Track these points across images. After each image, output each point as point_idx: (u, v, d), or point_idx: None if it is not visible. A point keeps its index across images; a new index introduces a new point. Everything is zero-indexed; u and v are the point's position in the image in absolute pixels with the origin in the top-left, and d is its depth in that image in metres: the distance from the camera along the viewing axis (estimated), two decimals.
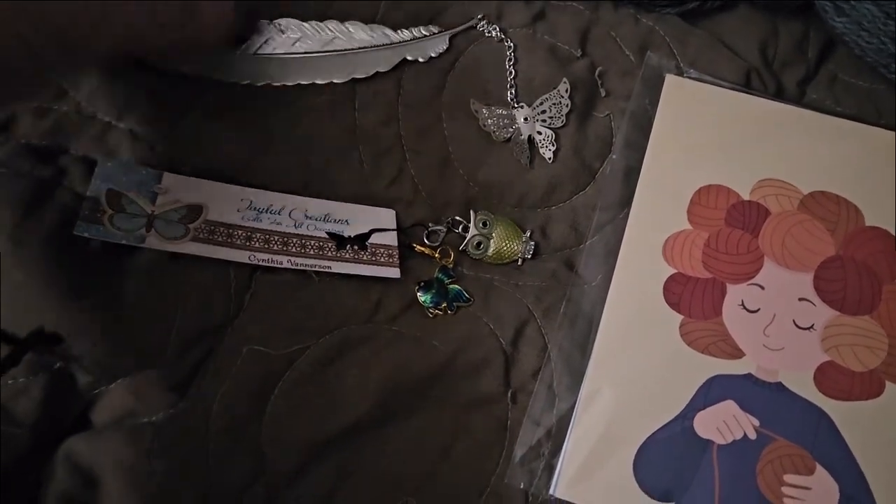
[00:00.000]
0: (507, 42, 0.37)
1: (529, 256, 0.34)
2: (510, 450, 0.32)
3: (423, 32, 0.36)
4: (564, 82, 0.37)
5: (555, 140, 0.36)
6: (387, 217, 0.34)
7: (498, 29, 0.37)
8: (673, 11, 0.38)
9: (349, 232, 0.34)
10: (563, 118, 0.36)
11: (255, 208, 0.33)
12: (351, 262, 0.33)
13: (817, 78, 0.38)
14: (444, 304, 0.33)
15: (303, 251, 0.33)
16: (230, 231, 0.33)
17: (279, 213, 0.33)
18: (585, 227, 0.35)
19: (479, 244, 0.34)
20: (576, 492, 0.30)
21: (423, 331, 0.33)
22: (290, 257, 0.33)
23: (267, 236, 0.33)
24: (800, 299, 0.33)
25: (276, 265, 0.32)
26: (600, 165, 0.36)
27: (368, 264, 0.33)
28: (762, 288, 0.33)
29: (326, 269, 0.33)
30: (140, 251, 0.32)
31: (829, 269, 0.33)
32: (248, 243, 0.33)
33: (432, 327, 0.33)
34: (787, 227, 0.34)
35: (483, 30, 0.37)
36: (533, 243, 0.34)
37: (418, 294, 0.33)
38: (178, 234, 0.32)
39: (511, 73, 0.37)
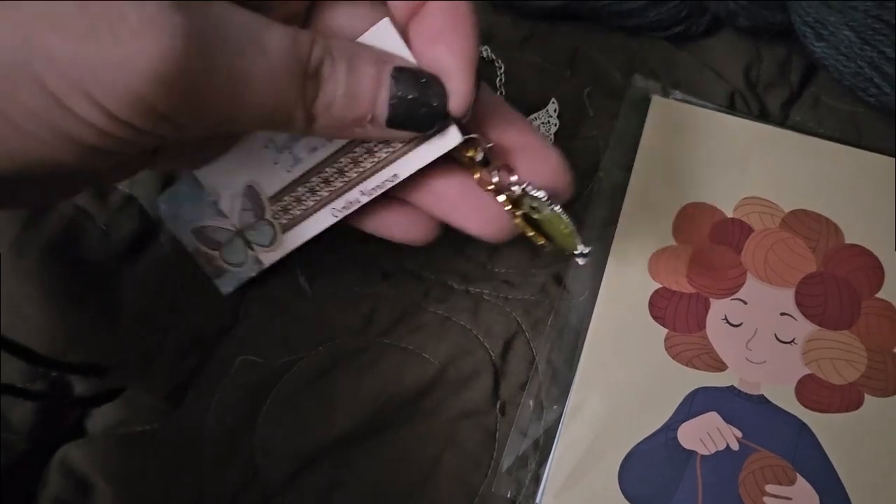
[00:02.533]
0: (497, 62, 0.38)
1: (578, 255, 0.27)
2: (498, 460, 0.32)
3: None
4: (553, 102, 0.38)
5: None
6: (385, 33, 0.23)
7: (489, 49, 0.38)
8: (659, 35, 0.40)
9: None
10: (552, 137, 0.37)
11: (280, 147, 0.27)
12: (409, 149, 0.25)
13: (800, 100, 0.39)
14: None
15: (360, 168, 0.26)
16: (296, 195, 0.28)
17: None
18: None
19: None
20: (562, 501, 0.31)
21: (414, 343, 0.34)
22: (358, 188, 0.26)
23: (320, 173, 0.27)
24: (781, 314, 0.33)
25: (356, 206, 0.27)
26: (588, 183, 0.37)
27: (423, 142, 0.24)
28: (745, 303, 0.34)
29: (396, 180, 0.26)
30: (135, 261, 0.33)
31: (809, 285, 0.34)
32: (315, 196, 0.28)
33: (423, 340, 0.34)
34: (770, 244, 0.35)
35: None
36: (581, 262, 0.27)
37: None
38: (270, 236, 0.30)
39: (501, 92, 0.38)
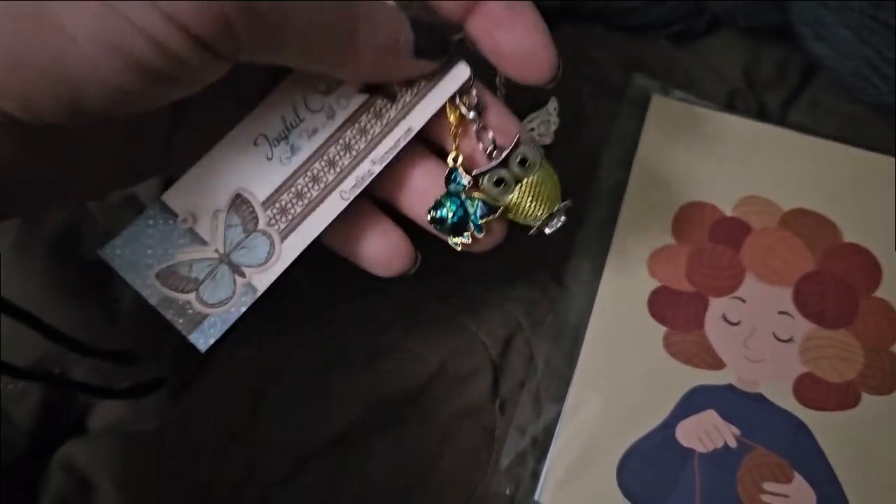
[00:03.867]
0: None
1: (547, 230, 0.27)
2: (497, 458, 0.32)
3: None
4: (553, 101, 0.38)
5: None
6: None
7: None
8: (659, 34, 0.40)
9: None
10: (552, 136, 0.37)
11: (276, 138, 0.25)
12: (418, 99, 0.25)
13: (799, 100, 0.39)
14: (470, 223, 0.26)
15: (368, 136, 0.25)
16: (296, 190, 0.25)
17: (300, 119, 0.25)
18: (573, 241, 0.36)
19: (500, 182, 0.25)
20: (560, 498, 0.31)
21: (413, 341, 0.34)
22: (368, 158, 0.25)
23: (323, 156, 0.25)
24: (779, 312, 0.34)
25: (369, 180, 0.25)
26: (587, 182, 0.37)
27: (432, 85, 0.25)
28: (743, 301, 0.34)
29: (411, 135, 0.25)
30: None
31: (807, 284, 0.34)
32: (319, 184, 0.25)
33: (422, 338, 0.34)
34: (768, 243, 0.35)
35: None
36: (563, 219, 0.27)
37: (431, 220, 0.26)
38: (267, 249, 0.25)
39: (501, 91, 0.38)
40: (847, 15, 0.36)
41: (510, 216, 0.26)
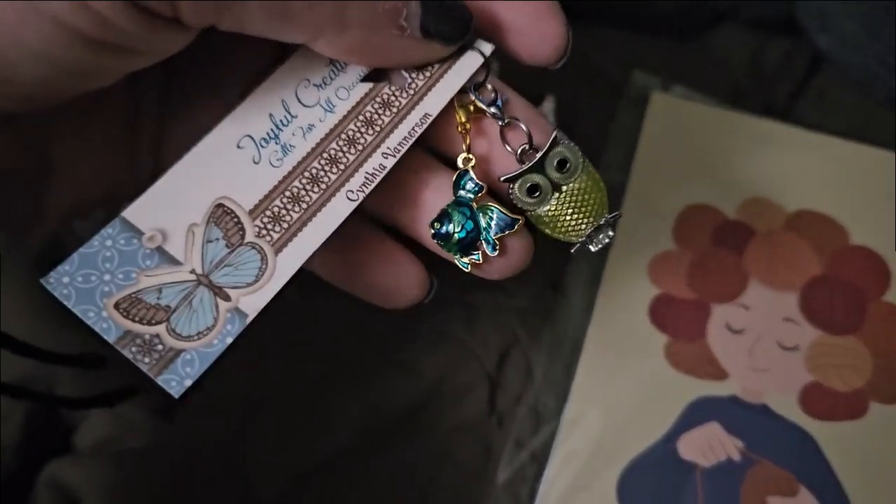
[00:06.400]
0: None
1: (594, 248, 0.22)
2: (495, 474, 0.32)
3: None
4: (549, 100, 0.36)
5: None
6: None
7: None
8: (659, 29, 0.38)
9: None
10: None
11: (264, 139, 0.22)
12: (431, 83, 0.22)
13: (805, 94, 0.38)
14: (482, 240, 0.21)
15: (376, 127, 0.22)
16: (291, 194, 0.21)
17: (291, 116, 0.22)
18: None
19: (534, 189, 0.21)
20: None
21: (409, 355, 0.33)
22: (378, 151, 0.22)
23: (323, 154, 0.22)
24: (784, 319, 0.33)
25: (382, 175, 0.21)
26: None
27: (446, 68, 0.22)
28: (747, 308, 0.33)
29: (428, 121, 0.22)
30: None
31: (814, 289, 0.33)
32: (319, 185, 0.22)
33: (417, 351, 0.33)
34: (773, 247, 0.34)
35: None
36: (612, 234, 0.22)
37: (435, 236, 0.21)
38: (257, 267, 0.21)
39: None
40: (855, 7, 0.35)
41: (547, 231, 0.22)
